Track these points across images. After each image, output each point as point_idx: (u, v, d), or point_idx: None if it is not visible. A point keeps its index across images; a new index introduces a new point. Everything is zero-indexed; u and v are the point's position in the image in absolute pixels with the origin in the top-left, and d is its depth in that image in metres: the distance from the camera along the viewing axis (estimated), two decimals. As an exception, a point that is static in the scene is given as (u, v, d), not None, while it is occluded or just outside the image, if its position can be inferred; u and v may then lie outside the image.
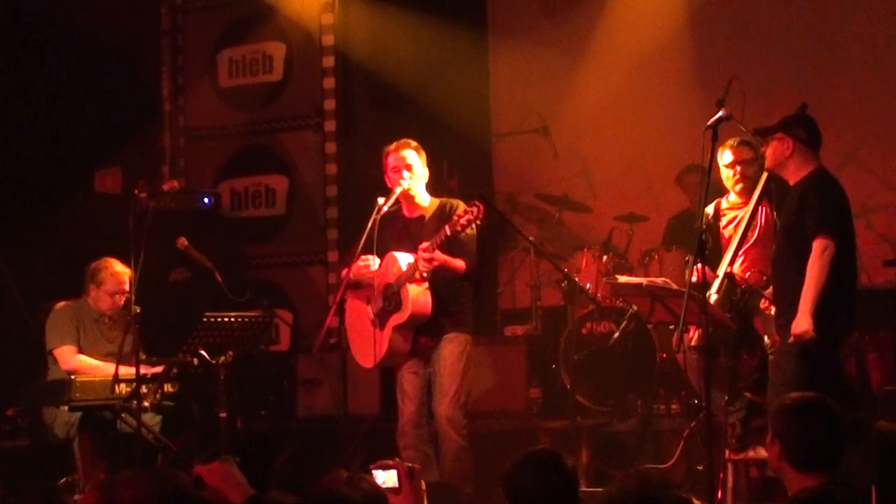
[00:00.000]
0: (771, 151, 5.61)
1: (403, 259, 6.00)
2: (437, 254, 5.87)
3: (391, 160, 6.19)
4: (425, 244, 5.89)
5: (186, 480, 3.15)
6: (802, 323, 5.31)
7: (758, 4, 8.80)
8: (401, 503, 3.56)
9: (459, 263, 6.00)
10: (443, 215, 6.09)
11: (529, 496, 3.45)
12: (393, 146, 6.24)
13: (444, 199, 6.26)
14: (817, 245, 5.36)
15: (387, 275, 6.08)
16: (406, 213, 6.25)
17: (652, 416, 7.21)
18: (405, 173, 6.13)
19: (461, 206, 6.06)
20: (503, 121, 9.45)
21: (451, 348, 6.07)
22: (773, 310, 5.76)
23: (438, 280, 6.03)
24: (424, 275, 5.93)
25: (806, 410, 3.81)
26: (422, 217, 6.19)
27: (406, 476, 3.61)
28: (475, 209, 5.70)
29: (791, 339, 5.36)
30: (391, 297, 6.03)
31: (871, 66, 8.42)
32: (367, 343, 6.16)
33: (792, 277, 5.46)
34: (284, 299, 8.86)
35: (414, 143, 6.24)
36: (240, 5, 9.30)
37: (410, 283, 5.96)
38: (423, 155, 6.24)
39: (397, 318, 6.03)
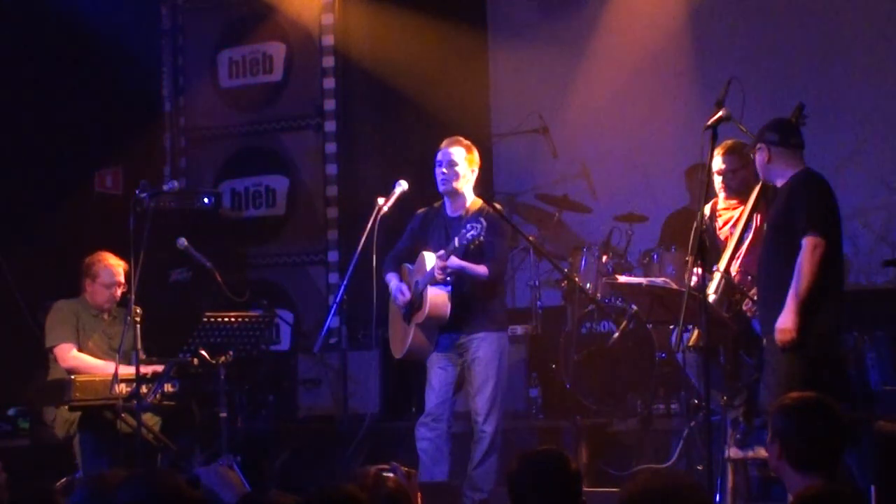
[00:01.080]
0: (757, 164, 5.63)
1: (430, 260, 6.08)
2: (452, 260, 5.92)
3: (438, 155, 6.22)
4: (441, 251, 5.94)
5: (183, 481, 3.16)
6: (787, 321, 5.34)
7: (758, 4, 8.80)
8: None
9: (481, 269, 6.05)
10: (474, 219, 6.11)
11: (532, 497, 3.45)
12: (444, 142, 6.26)
13: (485, 204, 6.27)
14: (807, 243, 5.37)
15: (417, 274, 6.19)
16: (448, 211, 6.28)
17: (652, 416, 7.21)
18: (447, 169, 6.14)
19: (493, 212, 6.12)
20: (503, 121, 9.44)
21: (487, 347, 6.13)
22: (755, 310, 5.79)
23: (466, 281, 6.07)
24: (448, 278, 5.97)
25: (805, 410, 3.81)
26: (460, 217, 6.22)
27: (402, 480, 3.61)
28: (479, 225, 5.74)
29: (777, 340, 5.37)
30: (416, 296, 6.12)
31: (870, 65, 8.41)
32: (398, 335, 6.33)
33: (779, 276, 5.46)
34: (284, 299, 8.87)
35: (465, 142, 6.24)
36: (240, 5, 9.30)
37: (433, 284, 6.02)
38: (474, 154, 6.24)
39: (418, 317, 6.14)
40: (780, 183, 5.61)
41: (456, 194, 6.21)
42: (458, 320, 6.12)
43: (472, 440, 6.16)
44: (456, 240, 5.85)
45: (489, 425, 6.09)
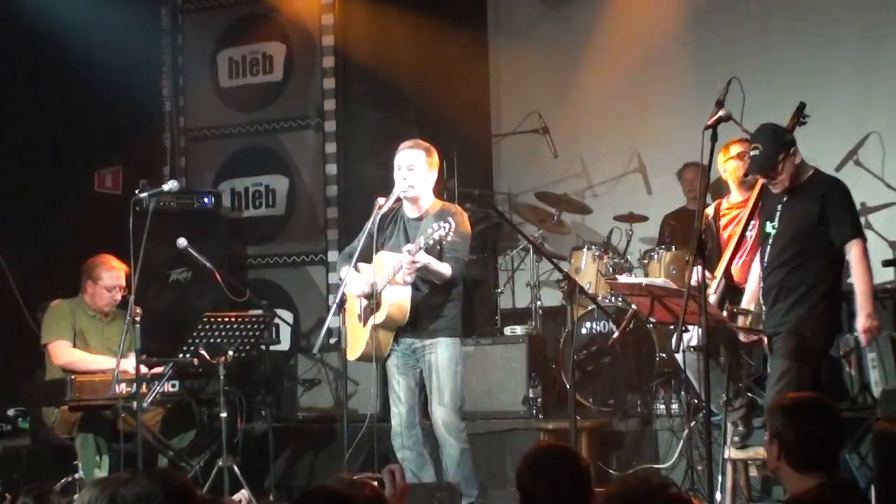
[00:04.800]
0: (787, 173, 5.56)
1: (389, 261, 6.02)
2: (421, 255, 5.87)
3: (397, 158, 6.19)
4: (410, 246, 5.91)
5: (187, 480, 3.16)
6: (872, 320, 5.48)
7: (758, 4, 8.80)
8: None
9: (445, 267, 6.00)
10: (440, 220, 6.08)
11: (543, 495, 3.45)
12: (403, 145, 6.22)
13: (446, 204, 6.26)
14: (858, 248, 5.51)
15: (374, 274, 6.10)
16: (407, 213, 6.25)
17: (652, 416, 7.21)
18: (406, 173, 6.12)
19: (458, 213, 6.09)
20: (503, 121, 9.45)
21: (441, 353, 6.09)
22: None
23: (425, 284, 6.05)
24: (407, 279, 5.94)
25: (804, 410, 3.81)
26: (420, 219, 6.19)
27: (401, 481, 3.62)
28: (447, 225, 5.71)
29: (865, 342, 5.55)
30: (374, 297, 6.06)
31: (870, 65, 8.41)
32: (354, 337, 6.24)
33: (798, 275, 5.48)
34: (284, 299, 8.87)
35: (424, 144, 6.20)
36: (240, 5, 9.30)
37: (392, 285, 5.98)
38: (434, 157, 6.20)
39: (377, 318, 6.06)
40: (800, 179, 5.60)
41: (416, 197, 6.17)
42: (414, 324, 6.08)
43: (441, 447, 6.12)
44: (422, 239, 5.79)
45: (452, 431, 6.06)
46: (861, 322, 5.48)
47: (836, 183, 5.64)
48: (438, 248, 5.87)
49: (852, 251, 5.51)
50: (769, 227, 5.69)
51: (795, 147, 5.56)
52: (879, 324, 5.55)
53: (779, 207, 5.65)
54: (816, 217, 5.52)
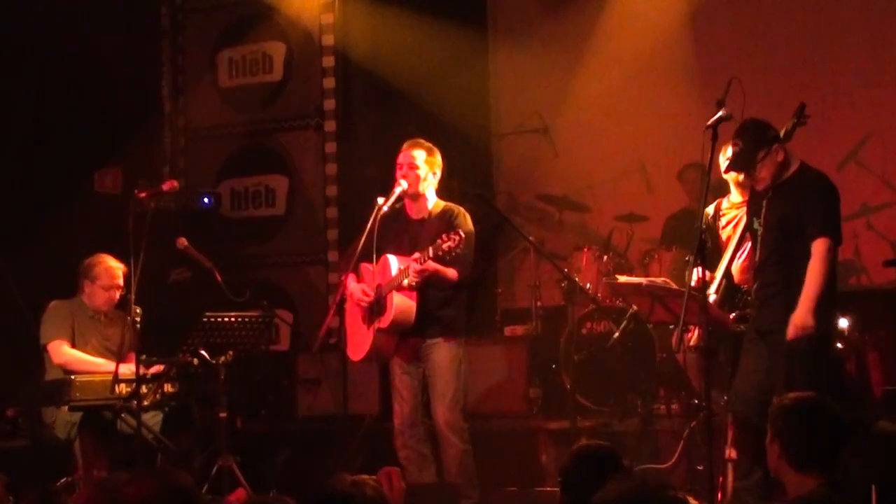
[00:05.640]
0: (767, 171, 5.54)
1: (395, 264, 6.02)
2: (430, 263, 5.87)
3: (399, 158, 6.19)
4: (417, 255, 5.90)
5: (189, 480, 3.16)
6: (808, 319, 5.29)
7: (758, 4, 8.81)
8: None
9: (452, 273, 6.01)
10: (443, 221, 6.08)
11: (584, 492, 3.46)
12: (405, 144, 6.22)
13: (448, 205, 6.25)
14: (822, 245, 5.35)
15: (379, 277, 6.10)
16: (410, 213, 6.25)
17: (652, 416, 7.21)
18: (407, 171, 6.12)
19: (461, 215, 6.08)
20: (503, 121, 9.45)
21: (444, 354, 6.10)
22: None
23: (429, 286, 6.04)
24: (413, 284, 5.94)
25: (805, 410, 3.81)
26: (423, 220, 6.19)
27: (398, 484, 3.62)
28: (456, 237, 5.70)
29: (791, 335, 5.34)
30: (379, 300, 6.06)
31: (871, 65, 8.42)
32: (357, 337, 6.25)
33: (788, 272, 5.47)
34: (284, 299, 8.87)
35: (426, 144, 6.20)
36: (240, 5, 9.31)
37: (398, 290, 5.98)
38: (436, 157, 6.20)
39: (381, 322, 6.06)
40: (784, 176, 5.57)
41: (417, 196, 6.18)
42: (418, 325, 6.08)
43: (443, 447, 6.12)
44: (431, 248, 5.78)
45: (454, 430, 6.06)
46: (796, 316, 5.30)
47: (819, 178, 5.53)
48: (448, 258, 5.86)
49: (817, 248, 5.35)
50: (756, 224, 5.66)
51: (779, 144, 5.52)
52: (812, 326, 5.30)
53: (764, 203, 5.63)
54: (794, 207, 5.49)
